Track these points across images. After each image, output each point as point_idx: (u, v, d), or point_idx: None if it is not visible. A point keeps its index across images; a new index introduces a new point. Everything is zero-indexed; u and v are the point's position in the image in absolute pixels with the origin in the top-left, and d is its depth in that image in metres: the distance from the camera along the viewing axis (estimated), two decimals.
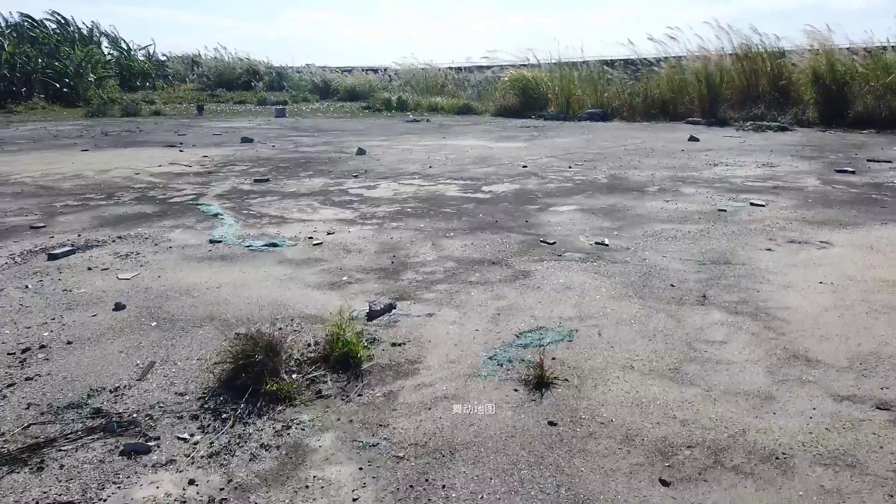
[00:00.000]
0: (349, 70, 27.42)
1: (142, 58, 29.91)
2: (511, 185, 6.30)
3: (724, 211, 5.15)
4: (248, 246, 4.15)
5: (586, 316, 3.00)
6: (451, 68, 21.55)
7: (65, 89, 21.14)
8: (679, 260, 3.86)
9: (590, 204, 5.45)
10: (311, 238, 4.39)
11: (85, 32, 27.66)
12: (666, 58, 14.95)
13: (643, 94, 14.81)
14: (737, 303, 3.14)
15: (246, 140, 10.39)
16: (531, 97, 16.75)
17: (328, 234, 4.50)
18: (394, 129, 12.92)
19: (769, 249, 4.06)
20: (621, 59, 16.68)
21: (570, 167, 7.52)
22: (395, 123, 14.40)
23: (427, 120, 15.29)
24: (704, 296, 3.25)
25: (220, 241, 4.27)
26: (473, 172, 7.13)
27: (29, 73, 20.79)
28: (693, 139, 10.27)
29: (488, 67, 21.09)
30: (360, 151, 8.86)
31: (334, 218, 4.99)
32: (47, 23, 27.26)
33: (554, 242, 4.25)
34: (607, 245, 4.20)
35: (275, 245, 4.17)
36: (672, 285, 3.41)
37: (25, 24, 26.64)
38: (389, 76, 23.99)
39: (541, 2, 63.21)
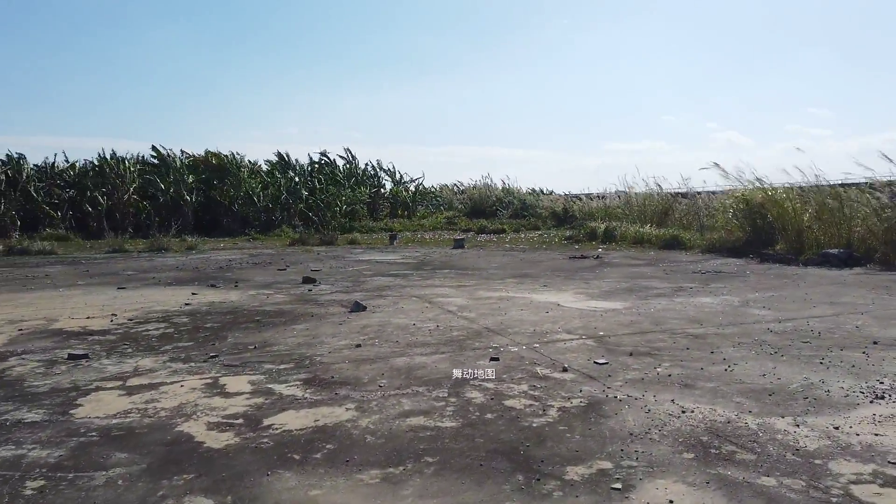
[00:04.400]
0: (602, 196, 24.84)
1: (412, 189, 31.62)
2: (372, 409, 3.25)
3: None
4: None
5: None
6: (682, 193, 17.62)
7: (315, 218, 22.71)
8: None
9: None
10: None
11: (362, 168, 30.18)
12: None
13: None
14: None
15: (308, 280, 8.70)
16: (759, 228, 12.27)
17: None
18: (529, 267, 10.05)
19: None
20: None
21: (565, 371, 4.03)
22: (549, 260, 11.44)
23: (597, 257, 11.97)
24: None
25: None
26: (399, 363, 4.17)
27: (288, 206, 22.80)
28: None
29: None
30: (357, 307, 6.40)
31: None
32: (339, 160, 30.58)
33: None
34: None
35: None
36: None
37: (321, 161, 30.24)
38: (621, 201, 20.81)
39: None
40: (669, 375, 3.89)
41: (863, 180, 11.22)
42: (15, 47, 54.83)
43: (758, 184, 12.28)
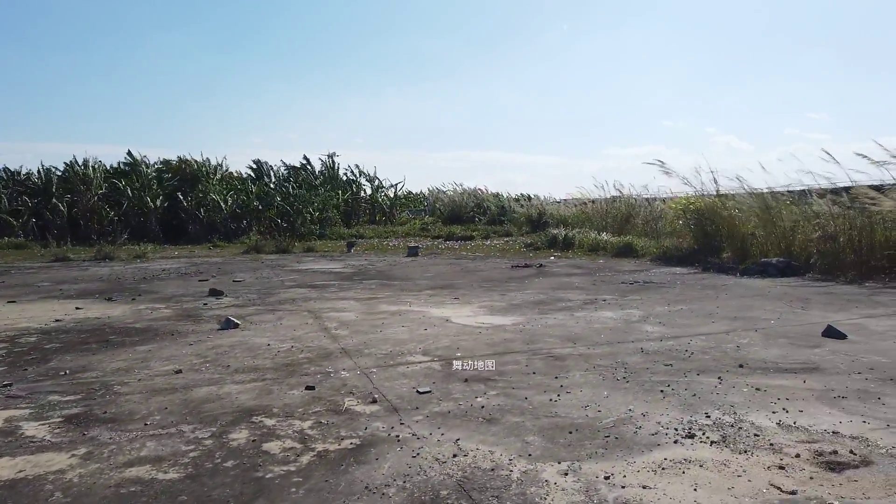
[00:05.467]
0: (581, 202, 24.30)
1: (391, 194, 31.19)
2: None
3: None
4: None
5: None
6: (648, 198, 17.13)
7: (284, 224, 22.23)
8: None
9: None
10: None
11: (341, 173, 29.76)
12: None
13: (850, 237, 9.01)
14: None
15: (214, 293, 8.25)
16: (709, 236, 11.80)
17: None
18: (461, 277, 9.61)
19: None
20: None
21: (373, 402, 3.59)
22: (489, 270, 10.98)
23: (539, 266, 11.49)
24: None
25: None
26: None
27: (257, 213, 22.33)
28: (832, 335, 5.05)
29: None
30: (228, 324, 5.96)
31: None
32: (319, 167, 30.12)
33: None
34: None
35: None
36: None
37: (300, 167, 29.84)
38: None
39: None
40: (483, 407, 3.44)
41: (827, 185, 10.71)
42: (17, 51, 54.73)
43: (705, 189, 11.82)
